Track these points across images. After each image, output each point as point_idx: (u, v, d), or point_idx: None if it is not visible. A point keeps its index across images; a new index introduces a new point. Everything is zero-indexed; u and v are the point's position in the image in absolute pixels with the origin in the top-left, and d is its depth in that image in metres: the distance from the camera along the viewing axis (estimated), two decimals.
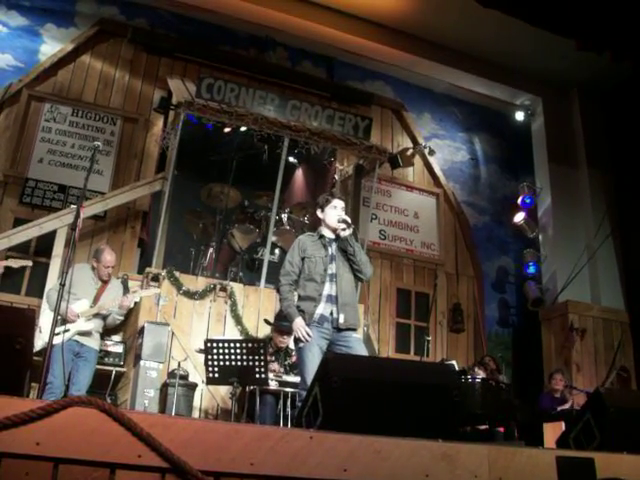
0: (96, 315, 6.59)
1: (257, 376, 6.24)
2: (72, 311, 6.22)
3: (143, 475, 2.46)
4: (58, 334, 6.06)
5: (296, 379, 6.58)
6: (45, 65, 9.41)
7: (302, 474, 2.70)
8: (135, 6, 10.20)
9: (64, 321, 6.07)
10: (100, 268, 6.75)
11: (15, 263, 6.83)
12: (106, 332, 7.89)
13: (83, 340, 6.45)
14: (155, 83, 10.07)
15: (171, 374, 7.17)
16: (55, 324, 4.60)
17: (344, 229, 5.31)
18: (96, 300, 6.64)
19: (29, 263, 6.94)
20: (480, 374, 8.11)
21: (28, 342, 3.09)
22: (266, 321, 7.76)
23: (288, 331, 6.96)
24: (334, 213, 5.40)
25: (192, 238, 9.57)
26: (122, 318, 7.00)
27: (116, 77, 9.90)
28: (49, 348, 4.44)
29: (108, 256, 6.79)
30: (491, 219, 12.00)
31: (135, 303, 7.95)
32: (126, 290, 7.35)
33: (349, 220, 5.39)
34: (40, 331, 6.34)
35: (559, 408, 7.92)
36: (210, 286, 8.23)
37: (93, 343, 6.60)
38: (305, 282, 5.27)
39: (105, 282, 6.81)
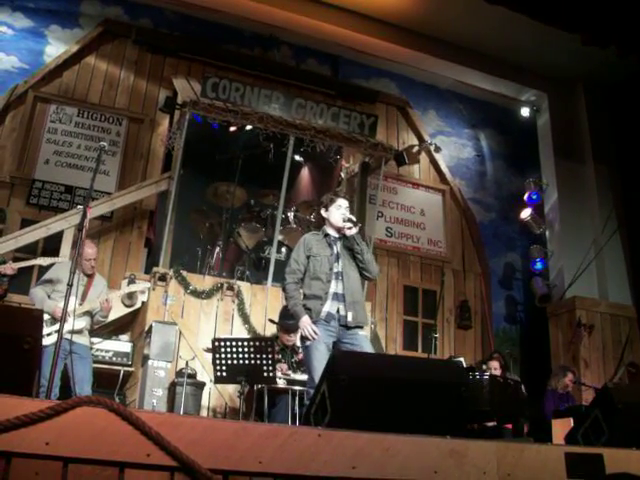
0: (85, 312, 6.47)
1: (265, 374, 6.24)
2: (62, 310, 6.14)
3: (152, 474, 2.47)
4: (50, 334, 6.05)
5: (304, 377, 6.59)
6: (50, 66, 9.42)
7: (311, 472, 2.70)
8: (139, 6, 10.20)
9: (54, 320, 6.04)
10: (82, 262, 6.50)
11: (44, 261, 6.78)
12: (114, 331, 7.92)
13: (74, 337, 6.19)
14: (160, 83, 10.06)
15: (179, 373, 7.19)
16: (62, 323, 4.59)
17: (350, 228, 5.31)
18: (84, 297, 6.48)
19: (58, 260, 6.83)
20: (495, 366, 8.08)
21: (36, 342, 3.10)
22: (271, 321, 7.77)
23: (294, 329, 6.96)
24: (339, 213, 5.40)
25: (199, 237, 9.58)
26: (106, 320, 6.82)
27: (121, 77, 9.91)
28: (57, 348, 4.44)
29: (89, 249, 6.59)
30: (497, 215, 11.98)
31: (142, 303, 7.98)
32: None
33: (354, 219, 5.40)
34: None
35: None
36: (217, 285, 8.24)
37: (84, 340, 6.45)
38: (310, 281, 5.27)
39: (90, 277, 6.65)
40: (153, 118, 9.89)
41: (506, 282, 11.74)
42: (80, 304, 6.37)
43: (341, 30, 10.25)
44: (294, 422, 6.51)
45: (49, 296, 6.36)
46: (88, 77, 9.71)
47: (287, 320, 7.09)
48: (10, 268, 6.61)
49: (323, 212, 5.55)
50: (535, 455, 3.20)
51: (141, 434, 2.47)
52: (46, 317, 6.20)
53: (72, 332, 5.98)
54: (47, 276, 6.56)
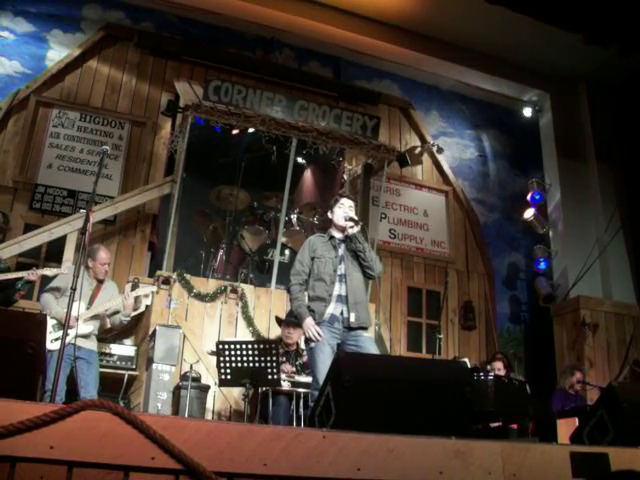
0: (93, 317, 6.47)
1: (269, 377, 6.24)
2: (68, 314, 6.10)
3: (157, 477, 2.47)
4: (58, 339, 6.03)
5: (308, 379, 6.58)
6: (52, 71, 9.43)
7: (316, 474, 2.70)
8: (141, 10, 10.22)
9: (62, 326, 6.02)
10: (97, 267, 6.59)
11: (50, 271, 6.75)
12: (118, 335, 7.91)
13: (80, 342, 6.08)
14: (162, 86, 10.07)
15: (183, 377, 7.18)
16: (65, 328, 4.59)
17: (352, 227, 5.34)
18: (92, 301, 6.51)
19: (64, 271, 6.81)
20: (499, 367, 8.08)
21: (40, 347, 3.10)
22: (277, 318, 7.77)
23: (295, 324, 6.93)
24: (341, 211, 5.45)
25: (202, 240, 9.57)
26: (128, 319, 6.87)
27: (123, 81, 9.92)
28: (61, 352, 4.44)
29: (103, 254, 6.66)
30: (501, 216, 11.97)
31: (146, 306, 7.97)
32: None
33: (356, 218, 5.43)
34: None
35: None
36: (221, 288, 8.23)
37: (91, 345, 6.46)
38: (314, 282, 5.29)
39: (100, 282, 6.68)
40: (155, 122, 9.89)
41: (510, 282, 11.73)
42: (87, 308, 6.39)
43: (343, 32, 10.27)
44: (298, 424, 6.51)
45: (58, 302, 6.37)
46: (90, 81, 9.72)
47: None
48: (35, 274, 6.59)
49: (329, 214, 5.62)
50: (540, 455, 3.19)
51: (145, 437, 2.46)
52: (54, 322, 6.21)
53: (76, 336, 5.95)
54: (55, 283, 6.56)
